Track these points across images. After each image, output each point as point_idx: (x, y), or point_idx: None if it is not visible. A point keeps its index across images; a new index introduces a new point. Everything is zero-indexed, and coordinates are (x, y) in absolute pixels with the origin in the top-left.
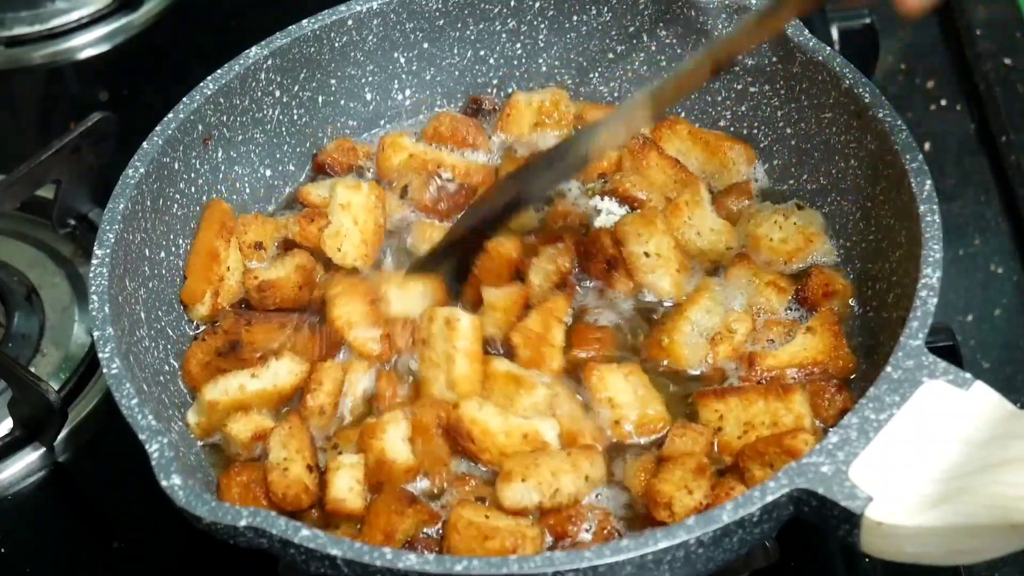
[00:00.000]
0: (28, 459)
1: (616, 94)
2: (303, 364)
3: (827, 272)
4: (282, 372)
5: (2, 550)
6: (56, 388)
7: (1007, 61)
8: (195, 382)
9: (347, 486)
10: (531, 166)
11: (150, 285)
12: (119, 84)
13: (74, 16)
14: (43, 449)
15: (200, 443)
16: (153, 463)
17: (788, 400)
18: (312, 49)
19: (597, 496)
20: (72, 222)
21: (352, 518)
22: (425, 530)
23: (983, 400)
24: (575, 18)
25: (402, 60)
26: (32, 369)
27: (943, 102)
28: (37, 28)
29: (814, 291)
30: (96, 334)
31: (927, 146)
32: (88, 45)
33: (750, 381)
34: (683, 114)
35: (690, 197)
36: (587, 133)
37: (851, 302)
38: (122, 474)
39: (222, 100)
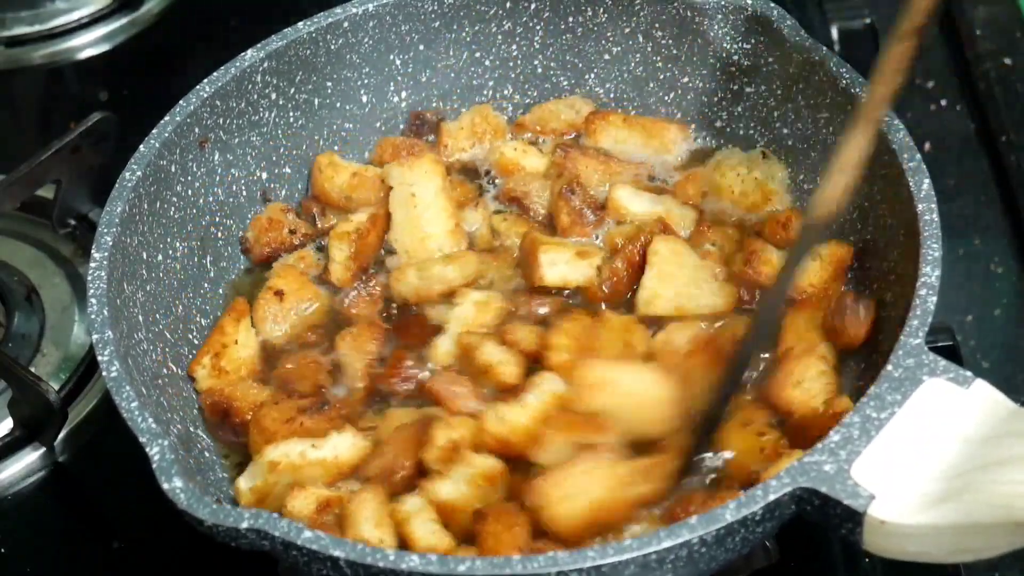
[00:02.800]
0: (28, 459)
1: (612, 95)
2: (366, 440)
3: (776, 213)
4: (343, 445)
5: (2, 550)
6: (56, 388)
7: (1007, 61)
8: (267, 436)
9: (430, 531)
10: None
11: (147, 288)
12: (119, 84)
13: (74, 16)
14: (43, 449)
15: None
16: (154, 466)
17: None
18: (308, 52)
19: None
20: (72, 222)
21: None
22: None
23: (984, 398)
24: (571, 19)
25: (398, 62)
26: (32, 369)
27: (943, 102)
28: (37, 28)
29: (772, 231)
30: (95, 337)
31: (927, 146)
32: (88, 45)
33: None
34: (679, 115)
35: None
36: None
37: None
38: (122, 474)
39: (218, 103)
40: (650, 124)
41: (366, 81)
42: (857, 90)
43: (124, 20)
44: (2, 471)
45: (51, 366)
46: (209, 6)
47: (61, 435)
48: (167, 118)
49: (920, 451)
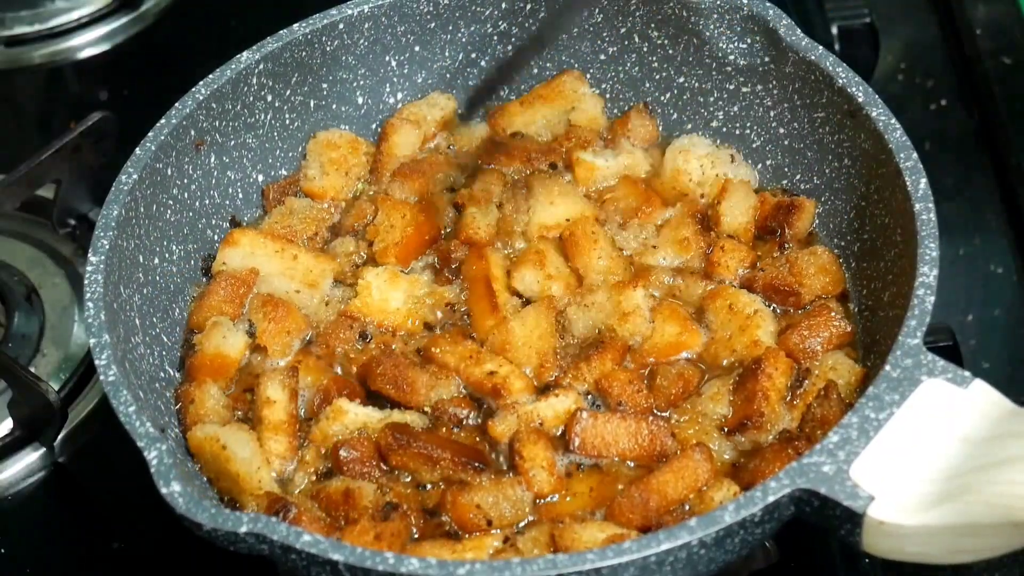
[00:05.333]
0: (28, 459)
1: (608, 95)
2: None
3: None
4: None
5: (2, 550)
6: (56, 388)
7: (1007, 61)
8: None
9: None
10: None
11: (144, 292)
12: (119, 84)
13: (74, 16)
14: (43, 449)
15: None
16: (152, 470)
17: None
18: (304, 53)
19: None
20: (72, 222)
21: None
22: None
23: (983, 398)
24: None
25: (393, 63)
26: (32, 369)
27: (943, 102)
28: (37, 28)
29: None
30: (92, 341)
31: (927, 146)
32: (88, 45)
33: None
34: (675, 115)
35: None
36: None
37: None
38: (122, 474)
39: (214, 105)
40: (543, 90)
41: (362, 82)
42: (854, 89)
43: (124, 20)
44: (2, 471)
45: (51, 366)
46: (209, 6)
47: (61, 435)
48: (163, 121)
49: (919, 452)
